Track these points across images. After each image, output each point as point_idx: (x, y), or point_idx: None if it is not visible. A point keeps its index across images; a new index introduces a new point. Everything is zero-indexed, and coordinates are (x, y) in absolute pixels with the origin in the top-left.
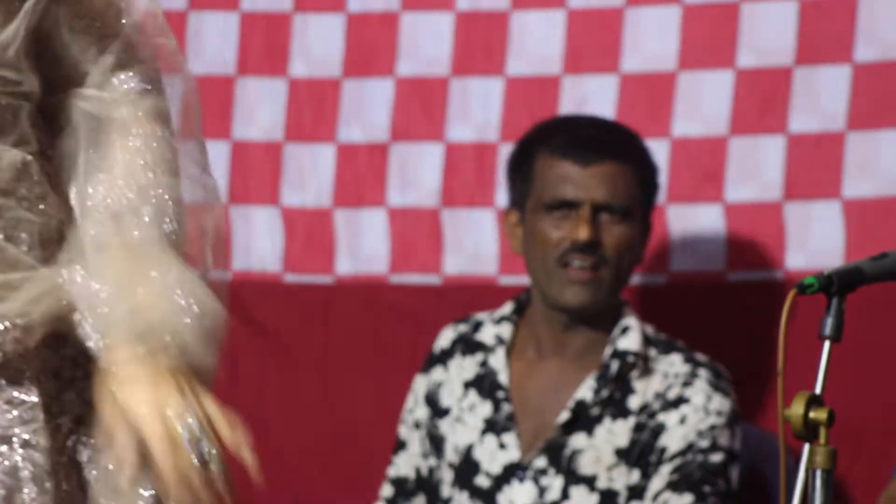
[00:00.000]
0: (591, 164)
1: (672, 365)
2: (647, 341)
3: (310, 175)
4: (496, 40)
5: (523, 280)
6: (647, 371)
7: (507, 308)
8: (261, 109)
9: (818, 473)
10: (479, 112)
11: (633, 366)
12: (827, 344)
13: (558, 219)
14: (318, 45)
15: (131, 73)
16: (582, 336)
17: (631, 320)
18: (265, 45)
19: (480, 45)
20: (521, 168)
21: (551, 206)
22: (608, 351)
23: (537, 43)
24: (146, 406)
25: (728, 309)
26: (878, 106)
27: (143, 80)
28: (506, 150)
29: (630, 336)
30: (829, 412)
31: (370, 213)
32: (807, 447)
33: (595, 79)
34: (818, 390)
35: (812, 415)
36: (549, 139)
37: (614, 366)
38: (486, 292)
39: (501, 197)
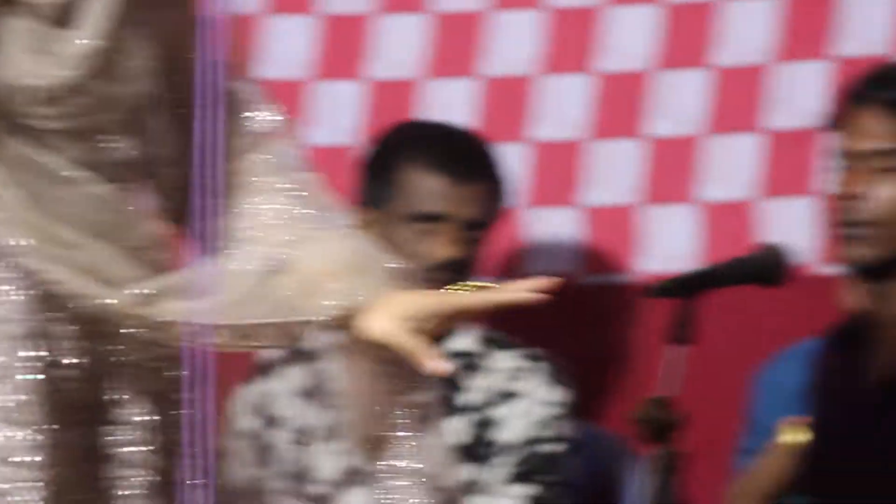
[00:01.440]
0: (464, 180)
1: (507, 360)
2: (483, 339)
3: None
4: (359, 44)
5: None
6: (482, 368)
7: None
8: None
9: (666, 476)
10: (345, 118)
11: (468, 366)
12: (677, 347)
13: (423, 232)
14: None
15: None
16: None
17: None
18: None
19: (341, 48)
20: (384, 171)
21: (417, 219)
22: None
23: (398, 47)
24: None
25: (581, 312)
26: (734, 110)
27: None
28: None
29: (465, 336)
30: (678, 414)
31: None
32: (654, 449)
33: (455, 83)
34: (667, 393)
35: (661, 417)
36: (418, 148)
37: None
38: None
39: None
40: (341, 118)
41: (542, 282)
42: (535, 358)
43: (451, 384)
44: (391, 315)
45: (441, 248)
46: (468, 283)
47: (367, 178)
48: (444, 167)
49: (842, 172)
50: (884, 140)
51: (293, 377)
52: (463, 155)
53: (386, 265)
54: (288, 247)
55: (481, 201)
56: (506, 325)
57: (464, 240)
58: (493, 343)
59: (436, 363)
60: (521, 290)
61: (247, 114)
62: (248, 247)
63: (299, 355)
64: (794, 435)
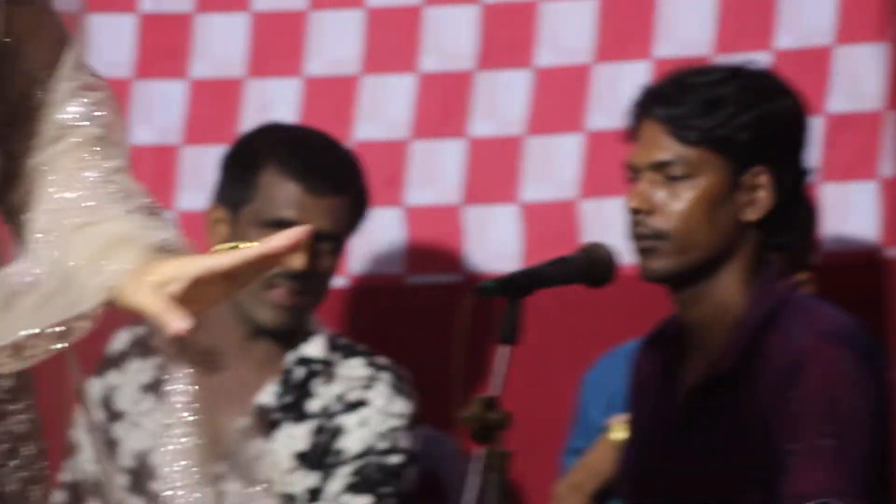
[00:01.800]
0: (324, 195)
1: (354, 369)
2: (331, 346)
3: None
4: (180, 42)
5: None
6: (329, 375)
7: None
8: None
9: (493, 476)
10: (162, 116)
11: (318, 372)
12: (504, 347)
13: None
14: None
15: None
16: (267, 343)
17: (315, 325)
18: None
19: (164, 46)
20: (243, 173)
21: (270, 224)
22: (292, 357)
23: (220, 46)
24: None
25: (407, 312)
26: (556, 111)
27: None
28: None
29: (315, 342)
30: (505, 414)
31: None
32: (482, 450)
33: (279, 82)
34: (495, 393)
35: (488, 417)
36: (279, 154)
37: (299, 372)
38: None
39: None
40: (165, 117)
41: (296, 232)
42: (379, 367)
43: (301, 390)
44: (147, 283)
45: (288, 256)
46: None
47: (226, 176)
48: (302, 176)
49: (631, 185)
50: (661, 152)
51: (138, 371)
52: (323, 166)
53: (159, 238)
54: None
55: (336, 215)
56: (334, 325)
57: (312, 251)
58: (341, 350)
59: (177, 322)
60: (273, 243)
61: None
62: (45, 249)
63: (145, 348)
64: (621, 432)
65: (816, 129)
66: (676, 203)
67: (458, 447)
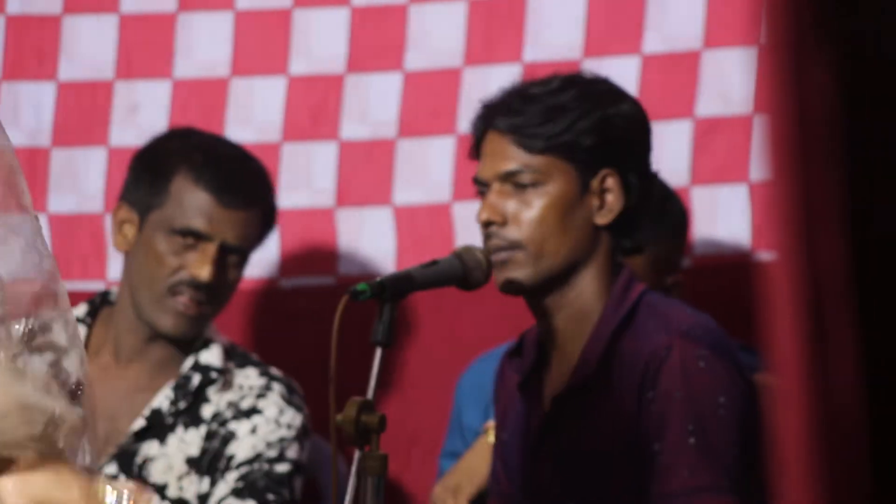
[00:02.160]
0: (233, 207)
1: (248, 378)
2: (227, 354)
3: None
4: (48, 45)
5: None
6: (223, 383)
7: (81, 310)
8: None
9: (370, 479)
10: (29, 117)
11: (214, 381)
12: (378, 350)
13: (182, 247)
14: None
15: None
16: (164, 346)
17: (212, 333)
18: None
19: (32, 49)
20: (154, 177)
21: (179, 233)
22: (189, 362)
23: (89, 48)
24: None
25: (281, 315)
26: (427, 113)
27: None
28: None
29: (212, 350)
30: (381, 417)
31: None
32: (358, 453)
33: (147, 84)
34: (370, 396)
35: (364, 420)
36: (193, 163)
37: (195, 378)
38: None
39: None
40: (34, 119)
41: None
42: (272, 377)
43: (196, 396)
44: None
45: (196, 266)
46: None
47: (135, 178)
48: (215, 188)
49: (481, 199)
50: (508, 162)
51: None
52: (236, 179)
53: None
54: None
55: (246, 228)
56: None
57: (220, 262)
58: (235, 358)
59: None
60: None
61: None
62: None
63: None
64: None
65: (686, 132)
66: (528, 211)
67: (332, 450)
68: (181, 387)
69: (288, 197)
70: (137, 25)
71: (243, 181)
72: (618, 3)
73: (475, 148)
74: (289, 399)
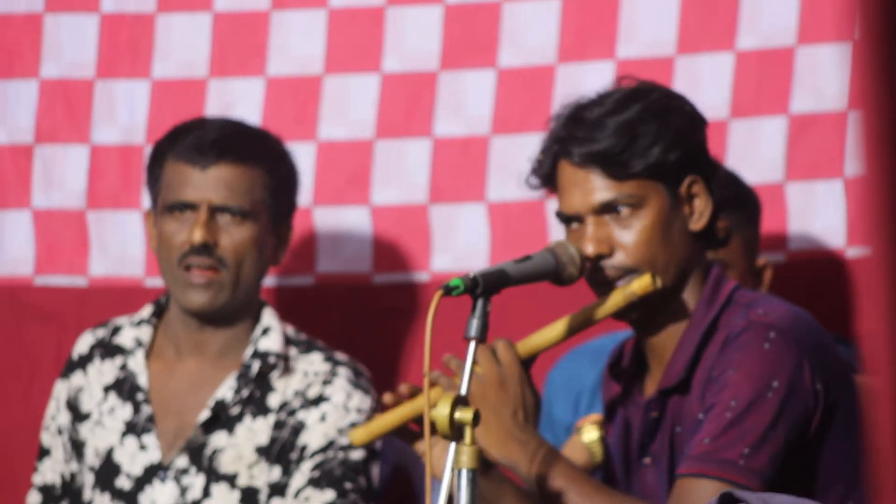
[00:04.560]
0: (209, 166)
1: (312, 364)
2: (288, 341)
3: None
4: (142, 42)
5: None
6: (287, 370)
7: (147, 311)
8: None
9: (464, 472)
10: (124, 114)
11: (274, 366)
12: (472, 345)
13: (179, 221)
14: None
15: None
16: (220, 336)
17: (271, 321)
18: None
19: (126, 47)
20: (154, 171)
21: (172, 208)
22: (249, 351)
23: (183, 46)
24: None
25: (374, 310)
26: (521, 110)
27: None
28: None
29: (271, 336)
30: (475, 412)
31: (14, 215)
32: (452, 447)
33: (241, 82)
34: (463, 391)
35: (457, 415)
36: (176, 143)
37: (255, 366)
38: (132, 294)
39: (147, 199)
40: (129, 116)
41: None
42: (336, 362)
43: (259, 384)
44: None
45: (189, 233)
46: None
47: (147, 180)
48: (191, 156)
49: (573, 233)
50: (600, 193)
51: (103, 371)
52: (211, 142)
53: None
54: None
55: (231, 186)
56: (301, 323)
57: (212, 223)
58: (297, 345)
59: None
60: None
61: None
62: None
63: (111, 349)
64: (592, 433)
65: (780, 129)
66: (631, 236)
67: (426, 444)
68: (243, 376)
69: (381, 193)
70: (231, 23)
71: (218, 141)
72: (711, 0)
73: (546, 181)
74: (356, 383)
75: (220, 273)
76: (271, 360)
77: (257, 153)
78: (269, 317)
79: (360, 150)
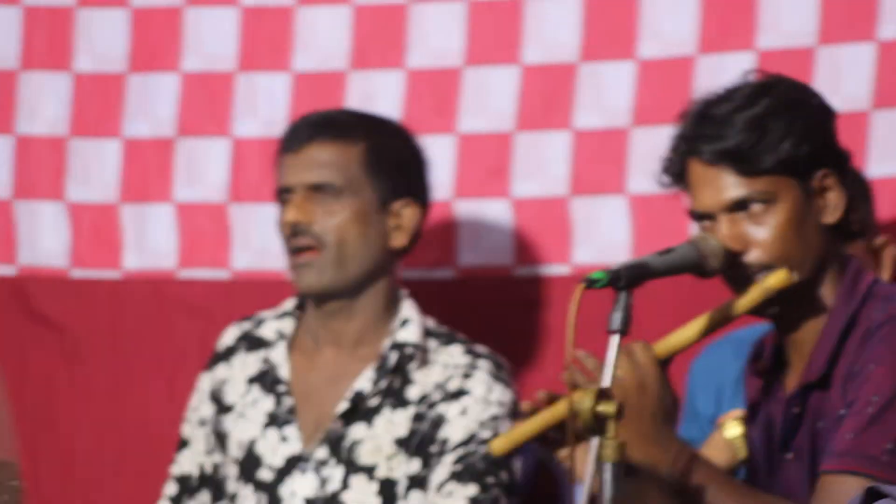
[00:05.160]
0: (300, 149)
1: (452, 356)
2: (428, 333)
3: (96, 170)
4: (282, 35)
5: None
6: (426, 362)
7: (290, 303)
8: (45, 104)
9: (608, 466)
10: (265, 107)
11: (412, 357)
12: (615, 338)
13: (282, 207)
14: (103, 40)
15: None
16: (354, 325)
17: (411, 312)
18: (48, 40)
19: (266, 40)
20: (276, 166)
21: (279, 197)
22: (387, 342)
23: (323, 38)
24: None
25: (515, 303)
26: (661, 101)
27: None
28: None
29: (410, 328)
30: (618, 405)
31: (157, 209)
32: (595, 440)
33: (381, 75)
34: (606, 384)
35: (600, 408)
36: (283, 137)
37: (393, 357)
38: (275, 287)
39: None
40: (270, 109)
41: None
42: (477, 355)
43: (397, 375)
44: None
45: (284, 215)
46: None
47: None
48: (288, 143)
49: (707, 229)
50: (732, 190)
51: (247, 364)
52: (305, 125)
53: None
54: None
55: (318, 162)
56: (442, 316)
57: (306, 203)
58: (438, 337)
59: None
60: None
61: None
62: None
63: (255, 342)
64: (734, 429)
65: None
66: (766, 232)
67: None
68: (381, 367)
69: (522, 185)
70: (370, 15)
71: (311, 125)
72: None
73: (676, 180)
74: (496, 375)
75: (320, 252)
76: (409, 350)
77: (350, 131)
78: (408, 308)
79: (500, 142)
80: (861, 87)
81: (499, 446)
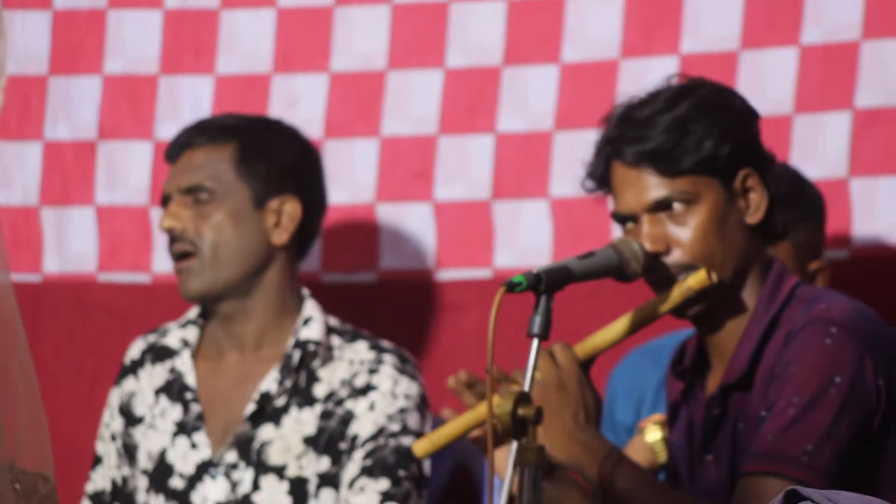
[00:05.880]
0: (176, 158)
1: (357, 353)
2: (331, 330)
3: (16, 173)
4: (205, 38)
5: None
6: (330, 359)
7: (193, 312)
8: None
9: (527, 470)
10: (188, 110)
11: (315, 354)
12: (535, 342)
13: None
14: (24, 42)
15: None
16: (253, 326)
17: (313, 311)
18: None
19: (189, 43)
20: None
21: (162, 206)
22: (290, 342)
23: (247, 41)
24: None
25: (437, 306)
26: (584, 105)
27: None
28: None
29: (312, 326)
30: (538, 409)
31: (78, 212)
32: (515, 444)
33: (305, 78)
34: (526, 388)
35: (520, 412)
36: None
37: (296, 355)
38: None
39: None
40: (193, 112)
41: None
42: (382, 349)
43: (306, 373)
44: None
45: (161, 222)
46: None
47: None
48: (167, 154)
49: (627, 232)
50: (653, 191)
51: (154, 375)
52: (178, 137)
53: None
54: None
55: (191, 166)
56: (364, 319)
57: (186, 211)
58: (342, 334)
59: None
60: None
61: None
62: None
63: (160, 353)
64: (655, 433)
65: (845, 124)
66: (687, 232)
67: (489, 441)
68: (286, 366)
69: (444, 189)
70: (295, 19)
71: (183, 134)
72: None
73: (599, 183)
74: (402, 369)
75: (196, 256)
76: (311, 348)
77: (222, 133)
78: (310, 308)
79: (423, 145)
80: (784, 90)
81: (421, 449)
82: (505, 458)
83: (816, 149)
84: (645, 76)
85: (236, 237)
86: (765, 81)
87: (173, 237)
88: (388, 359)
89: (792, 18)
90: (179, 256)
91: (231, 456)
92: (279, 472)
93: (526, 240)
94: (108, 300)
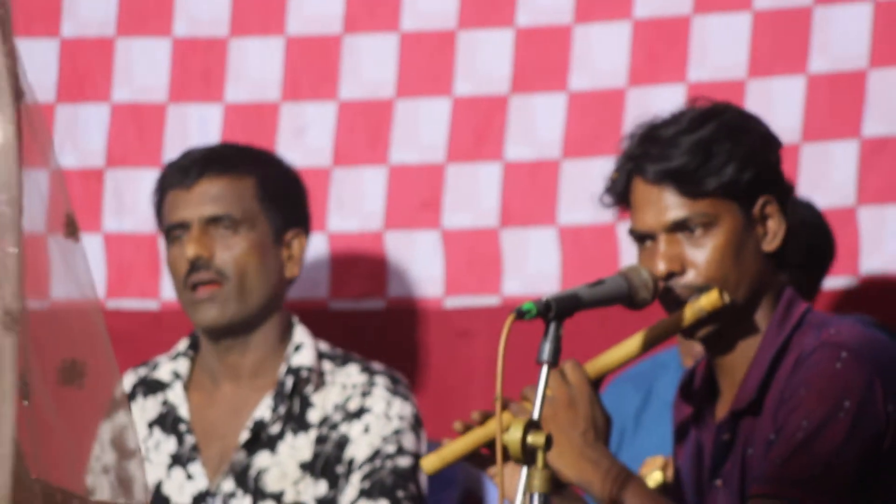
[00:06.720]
0: (194, 184)
1: (349, 376)
2: (321, 356)
3: (24, 201)
4: (213, 66)
5: None
6: (323, 384)
7: (183, 344)
8: None
9: (535, 497)
10: (197, 138)
11: (308, 380)
12: (544, 369)
13: (178, 244)
14: (32, 70)
15: None
16: (250, 356)
17: (304, 337)
18: None
19: (197, 71)
20: (156, 207)
21: (170, 234)
22: (283, 369)
23: (256, 69)
24: None
25: (445, 334)
26: (592, 133)
27: None
28: None
29: (303, 352)
30: (547, 437)
31: (85, 239)
32: (524, 471)
33: (313, 106)
34: (536, 415)
35: (530, 439)
36: (165, 173)
37: (289, 382)
38: None
39: None
40: (201, 139)
41: None
42: (373, 372)
43: (299, 399)
44: None
45: (183, 249)
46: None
47: (155, 216)
48: (177, 179)
49: (643, 251)
50: (673, 211)
51: (146, 408)
52: (193, 161)
53: None
54: None
55: (216, 196)
56: (371, 347)
57: (204, 237)
58: (332, 359)
59: None
60: None
61: None
62: None
63: (152, 386)
64: (653, 479)
65: (852, 152)
66: (703, 254)
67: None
68: (279, 393)
69: (453, 217)
70: (303, 47)
71: (200, 159)
72: (783, 23)
73: (619, 199)
74: (394, 390)
75: (222, 286)
76: (304, 374)
77: (240, 164)
78: (300, 334)
79: (431, 174)
80: (792, 119)
81: (430, 464)
82: (515, 482)
83: (824, 177)
84: (652, 104)
85: (262, 269)
86: (772, 110)
87: (196, 265)
88: (380, 381)
89: (799, 47)
90: (200, 284)
91: (228, 485)
92: (277, 498)
93: (534, 268)
94: (116, 327)
